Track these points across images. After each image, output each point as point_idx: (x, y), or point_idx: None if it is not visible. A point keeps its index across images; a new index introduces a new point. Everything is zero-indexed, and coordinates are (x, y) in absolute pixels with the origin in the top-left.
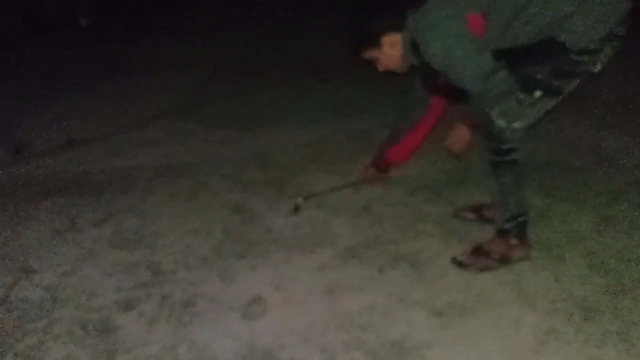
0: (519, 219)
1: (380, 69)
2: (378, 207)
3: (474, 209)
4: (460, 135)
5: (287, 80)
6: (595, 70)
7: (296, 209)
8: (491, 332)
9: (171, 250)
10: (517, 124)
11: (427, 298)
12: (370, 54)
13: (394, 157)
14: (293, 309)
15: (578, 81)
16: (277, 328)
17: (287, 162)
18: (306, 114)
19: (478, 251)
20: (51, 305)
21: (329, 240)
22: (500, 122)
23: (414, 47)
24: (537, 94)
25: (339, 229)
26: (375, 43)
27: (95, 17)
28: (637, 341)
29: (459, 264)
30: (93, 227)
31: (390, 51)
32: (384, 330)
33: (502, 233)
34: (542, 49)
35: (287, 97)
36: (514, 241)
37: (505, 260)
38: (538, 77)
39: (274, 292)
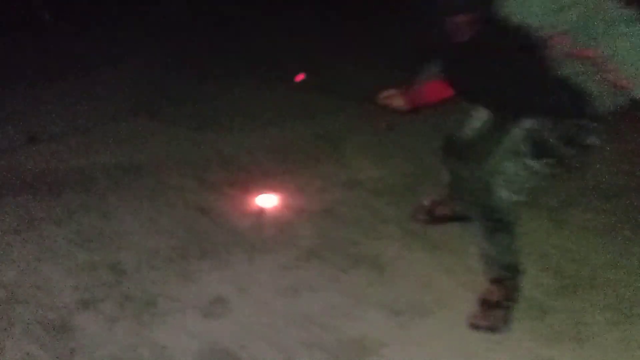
0: (516, 268)
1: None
2: (340, 210)
3: (427, 211)
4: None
5: (252, 82)
6: (596, 143)
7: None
8: (447, 332)
9: (133, 250)
10: (517, 197)
11: (386, 299)
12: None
13: (425, 94)
14: (255, 309)
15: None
16: (238, 328)
17: (252, 164)
18: (271, 116)
19: (487, 306)
20: (9, 304)
21: (292, 241)
22: (504, 194)
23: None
24: (545, 161)
25: (302, 230)
26: None
27: (51, 12)
28: (587, 341)
29: (484, 328)
30: (53, 226)
31: None
32: (344, 329)
33: (497, 280)
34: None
35: (252, 99)
36: (510, 283)
37: (512, 300)
38: (550, 140)
39: (236, 292)
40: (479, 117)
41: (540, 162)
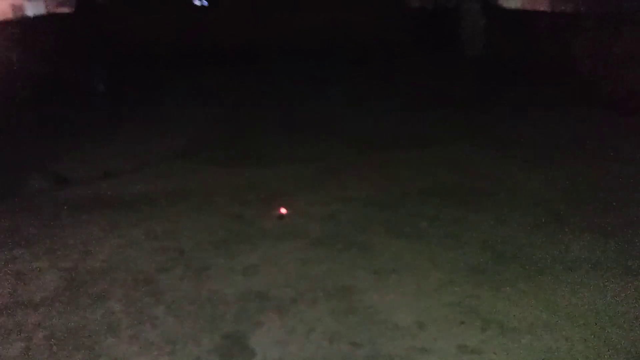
0: None
1: None
2: (340, 215)
3: None
4: None
5: (274, 132)
6: None
7: None
8: (410, 282)
9: (190, 241)
10: None
11: (368, 265)
12: None
13: None
14: (277, 271)
15: None
16: (265, 281)
17: (274, 188)
18: (288, 157)
19: None
20: (109, 269)
21: (303, 234)
22: None
23: None
24: None
25: (311, 228)
26: None
27: (109, 83)
28: (502, 287)
29: None
30: (131, 228)
31: None
32: (338, 281)
33: None
34: None
35: (273, 145)
36: None
37: None
38: None
39: (264, 262)
40: None
41: None
